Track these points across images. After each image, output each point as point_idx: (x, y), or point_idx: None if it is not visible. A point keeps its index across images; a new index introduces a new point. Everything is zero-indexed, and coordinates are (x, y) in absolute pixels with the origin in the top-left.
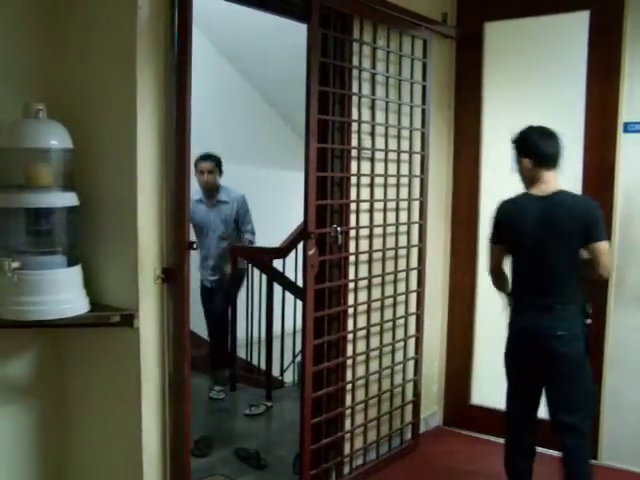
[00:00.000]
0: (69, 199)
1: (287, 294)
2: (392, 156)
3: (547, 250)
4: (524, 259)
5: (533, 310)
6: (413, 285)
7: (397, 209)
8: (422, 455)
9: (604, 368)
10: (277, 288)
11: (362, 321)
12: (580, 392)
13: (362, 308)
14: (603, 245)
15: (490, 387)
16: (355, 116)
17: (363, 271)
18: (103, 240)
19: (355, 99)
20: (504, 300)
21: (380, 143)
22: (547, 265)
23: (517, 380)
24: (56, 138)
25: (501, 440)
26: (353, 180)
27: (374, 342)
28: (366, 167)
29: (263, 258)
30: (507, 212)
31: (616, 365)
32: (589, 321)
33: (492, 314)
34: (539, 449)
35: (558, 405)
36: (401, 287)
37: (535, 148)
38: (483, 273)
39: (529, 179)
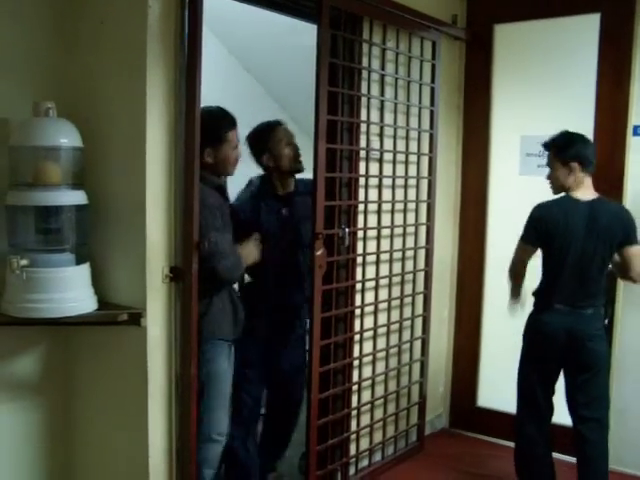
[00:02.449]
0: (78, 197)
1: None
2: (400, 157)
3: (590, 253)
4: (565, 261)
5: (568, 311)
6: (420, 287)
7: (405, 210)
8: (428, 457)
9: (612, 372)
10: None
11: (369, 322)
12: (604, 388)
13: (369, 309)
14: (636, 249)
15: (496, 389)
16: (364, 117)
17: (370, 272)
18: (111, 238)
19: (364, 100)
20: (514, 298)
21: (389, 144)
22: (588, 268)
23: (537, 378)
24: (66, 136)
25: (507, 443)
26: (361, 181)
27: (381, 343)
28: (374, 168)
29: None
30: (552, 214)
31: (623, 370)
32: (606, 321)
33: (499, 317)
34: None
35: (585, 400)
36: (408, 289)
37: (581, 153)
38: (491, 275)
39: (569, 183)
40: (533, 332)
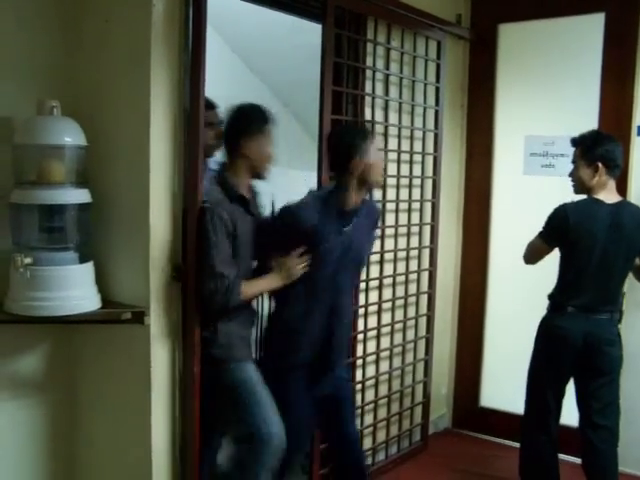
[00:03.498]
0: (82, 196)
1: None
2: (405, 157)
3: (612, 257)
4: (586, 265)
5: (585, 315)
6: (424, 286)
7: (409, 210)
8: (431, 456)
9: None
10: None
11: (373, 321)
12: (617, 394)
13: (373, 309)
14: None
15: (499, 389)
16: (368, 117)
17: (375, 271)
18: (115, 237)
19: (368, 99)
20: None
21: (393, 144)
22: (609, 273)
23: (549, 383)
24: (70, 135)
25: (510, 443)
26: None
27: (384, 343)
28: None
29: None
30: (570, 215)
31: (628, 370)
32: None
33: (503, 317)
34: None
35: (598, 407)
36: (412, 288)
37: (608, 155)
38: (494, 275)
39: (592, 184)
40: (548, 336)
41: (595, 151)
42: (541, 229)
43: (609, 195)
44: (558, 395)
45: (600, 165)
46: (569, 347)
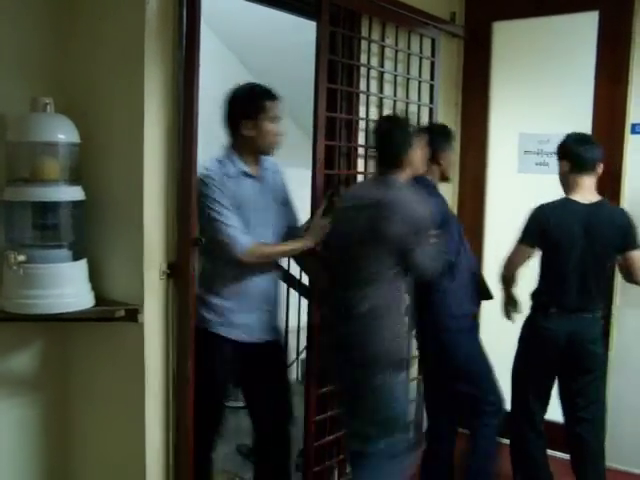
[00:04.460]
0: (75, 193)
1: (291, 291)
2: None
3: (590, 257)
4: (564, 266)
5: (568, 315)
6: None
7: None
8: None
9: (609, 371)
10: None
11: None
12: (603, 390)
13: None
14: (638, 253)
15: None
16: (363, 114)
17: None
18: (109, 234)
19: (363, 97)
20: (508, 305)
21: None
22: (587, 273)
23: (533, 382)
24: (63, 132)
25: (505, 440)
26: (360, 178)
27: None
28: (373, 165)
29: None
30: (550, 215)
31: (619, 368)
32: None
33: (494, 312)
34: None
35: (584, 404)
36: None
37: (572, 152)
38: (488, 272)
39: (566, 183)
40: (531, 337)
41: (559, 150)
42: (520, 234)
43: (585, 194)
44: (543, 394)
45: (564, 163)
46: (554, 347)
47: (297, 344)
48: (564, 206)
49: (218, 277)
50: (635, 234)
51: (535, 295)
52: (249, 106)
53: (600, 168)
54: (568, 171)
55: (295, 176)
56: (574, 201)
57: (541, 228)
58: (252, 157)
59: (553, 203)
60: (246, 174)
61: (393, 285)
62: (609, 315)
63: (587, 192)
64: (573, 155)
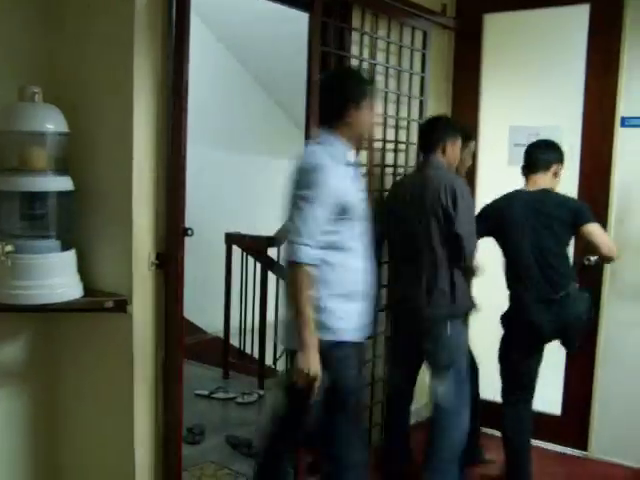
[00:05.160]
0: (64, 183)
1: (281, 282)
2: (390, 146)
3: (542, 241)
4: (521, 252)
5: (542, 304)
6: None
7: None
8: (413, 445)
9: (596, 363)
10: (271, 276)
11: None
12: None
13: None
14: (592, 226)
15: (481, 378)
16: None
17: None
18: (98, 225)
19: None
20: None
21: (378, 133)
22: (545, 257)
23: (521, 358)
24: (52, 122)
25: (493, 432)
26: None
27: None
28: (363, 157)
29: (258, 246)
30: (495, 205)
31: (607, 360)
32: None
33: (485, 304)
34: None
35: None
36: None
37: (526, 153)
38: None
39: (525, 180)
40: (513, 330)
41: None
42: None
43: (532, 187)
44: (532, 369)
45: (523, 163)
46: (537, 336)
47: None
48: (509, 195)
49: None
50: (581, 210)
51: (508, 286)
52: (358, 90)
53: (558, 169)
54: (523, 169)
55: (286, 168)
56: (519, 190)
57: (488, 217)
58: (351, 146)
59: (501, 195)
60: (351, 164)
61: None
62: (597, 308)
63: (535, 184)
64: (526, 156)
